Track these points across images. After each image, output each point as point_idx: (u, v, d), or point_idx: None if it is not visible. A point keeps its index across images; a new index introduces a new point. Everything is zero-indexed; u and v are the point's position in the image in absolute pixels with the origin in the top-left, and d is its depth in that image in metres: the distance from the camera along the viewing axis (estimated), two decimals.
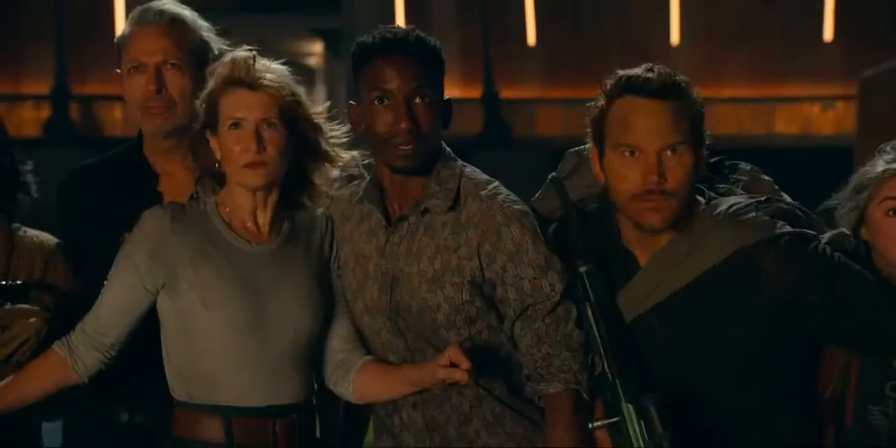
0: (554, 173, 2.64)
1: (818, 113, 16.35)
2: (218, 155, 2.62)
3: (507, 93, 15.54)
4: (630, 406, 2.16)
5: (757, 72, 16.36)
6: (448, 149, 2.58)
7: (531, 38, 16.34)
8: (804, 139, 15.92)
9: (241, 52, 2.66)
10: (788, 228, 2.39)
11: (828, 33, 16.20)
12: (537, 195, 2.61)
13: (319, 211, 2.62)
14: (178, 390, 2.52)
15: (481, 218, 2.37)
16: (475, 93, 15.55)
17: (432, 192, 2.41)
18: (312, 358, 2.52)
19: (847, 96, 14.39)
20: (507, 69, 15.81)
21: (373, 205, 2.47)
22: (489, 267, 2.35)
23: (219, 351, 2.42)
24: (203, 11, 15.11)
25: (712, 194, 2.41)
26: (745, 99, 16.49)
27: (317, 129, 2.66)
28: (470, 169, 2.55)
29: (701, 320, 2.31)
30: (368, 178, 2.54)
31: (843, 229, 2.47)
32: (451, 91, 13.37)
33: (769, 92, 16.36)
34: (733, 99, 16.58)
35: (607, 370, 2.21)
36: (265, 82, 2.76)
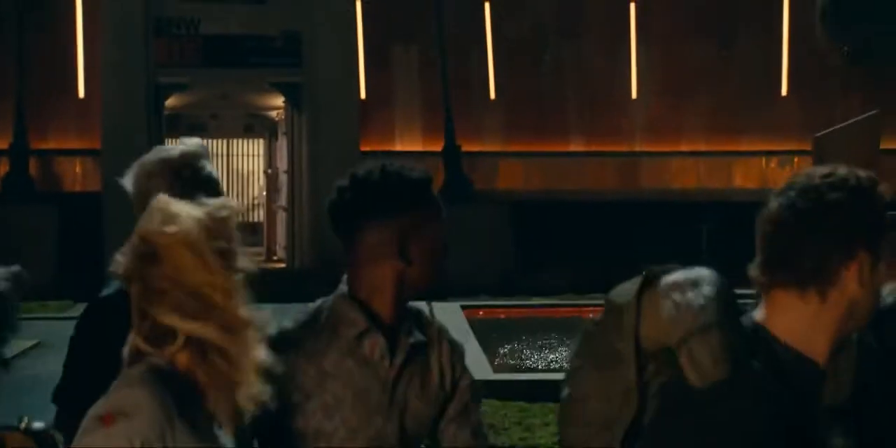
0: (590, 326, 2.17)
1: (775, 167, 16.53)
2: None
3: (468, 146, 15.64)
4: None
5: (714, 126, 16.56)
6: None
7: (492, 91, 16.48)
8: (762, 193, 16.05)
9: None
10: None
11: (784, 88, 16.46)
12: (573, 370, 2.13)
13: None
14: None
15: (439, 338, 2.56)
16: (437, 146, 15.65)
17: (412, 320, 2.56)
18: None
19: (803, 151, 14.56)
20: (468, 123, 15.91)
21: (380, 336, 2.45)
22: (453, 380, 2.56)
23: None
24: (166, 66, 15.26)
25: None
26: (702, 152, 16.67)
27: None
28: None
29: (876, 414, 2.17)
30: (342, 313, 2.49)
31: None
32: (413, 144, 13.53)
33: (727, 146, 16.56)
34: (691, 152, 16.77)
35: None
36: None
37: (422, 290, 2.48)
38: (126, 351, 2.11)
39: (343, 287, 2.49)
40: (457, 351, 2.58)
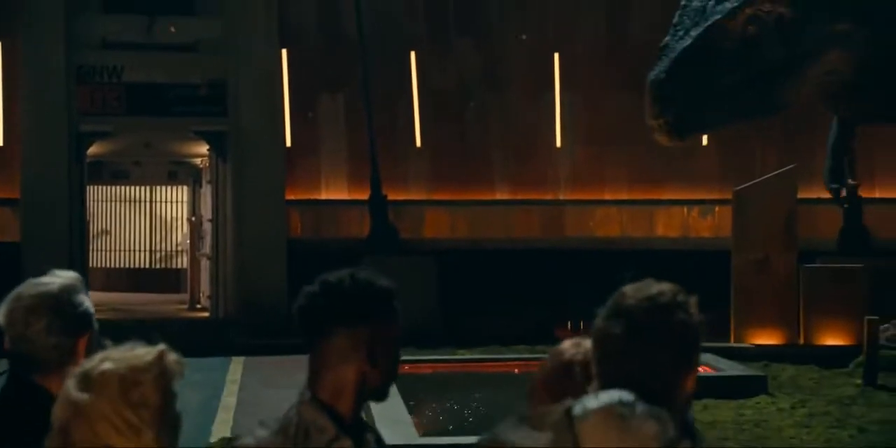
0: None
1: (696, 216, 16.77)
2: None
3: (394, 195, 15.66)
4: None
5: (637, 175, 16.78)
6: None
7: (418, 140, 16.56)
8: (683, 242, 16.29)
9: None
10: None
11: (704, 138, 16.75)
12: None
13: None
14: None
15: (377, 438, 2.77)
16: (363, 195, 15.64)
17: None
18: None
19: (723, 200, 14.80)
20: (394, 171, 15.94)
21: (348, 439, 2.59)
22: None
23: None
24: (88, 114, 15.09)
25: None
26: (625, 201, 16.87)
27: None
28: None
29: None
30: (314, 421, 2.59)
31: None
32: (338, 193, 13.49)
33: (649, 195, 16.78)
34: (615, 201, 16.96)
35: None
36: None
37: (379, 391, 2.65)
38: None
39: (307, 392, 2.59)
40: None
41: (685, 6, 12.12)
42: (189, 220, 19.15)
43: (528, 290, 14.93)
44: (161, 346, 2.12)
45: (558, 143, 16.72)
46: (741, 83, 11.92)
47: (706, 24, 11.82)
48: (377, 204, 15.47)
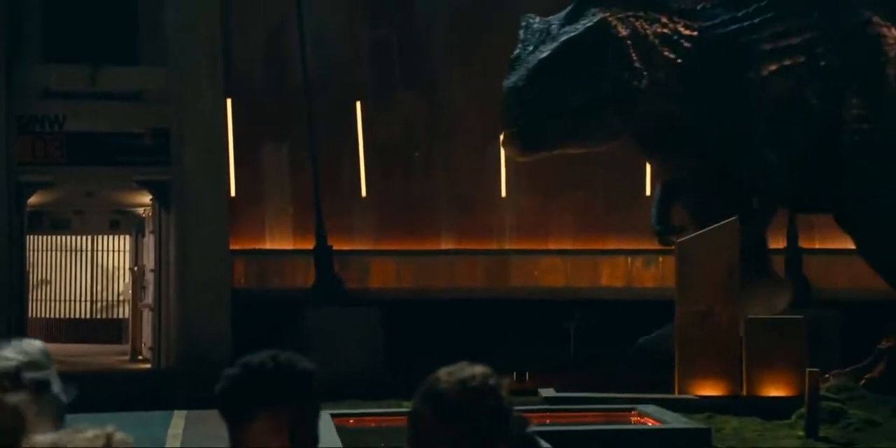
0: None
1: (640, 266, 16.87)
2: None
3: (339, 245, 15.61)
4: None
5: (581, 225, 16.87)
6: None
7: (363, 190, 16.55)
8: (627, 292, 16.36)
9: None
10: None
11: (647, 188, 16.89)
12: None
13: None
14: None
15: None
16: (307, 245, 15.58)
17: None
18: None
19: (667, 251, 14.90)
20: (339, 221, 15.91)
21: None
22: None
23: None
24: (28, 164, 14.96)
25: None
26: (570, 251, 16.94)
27: None
28: None
29: None
30: None
31: None
32: (283, 243, 13.37)
33: (593, 245, 16.86)
34: (559, 251, 17.03)
35: None
36: None
37: None
38: None
39: None
40: None
41: (527, 26, 12.42)
42: (131, 269, 18.93)
43: (474, 340, 14.87)
44: (109, 429, 2.08)
45: (503, 193, 16.79)
46: (586, 105, 12.19)
47: (561, 40, 12.09)
48: (322, 254, 15.40)
